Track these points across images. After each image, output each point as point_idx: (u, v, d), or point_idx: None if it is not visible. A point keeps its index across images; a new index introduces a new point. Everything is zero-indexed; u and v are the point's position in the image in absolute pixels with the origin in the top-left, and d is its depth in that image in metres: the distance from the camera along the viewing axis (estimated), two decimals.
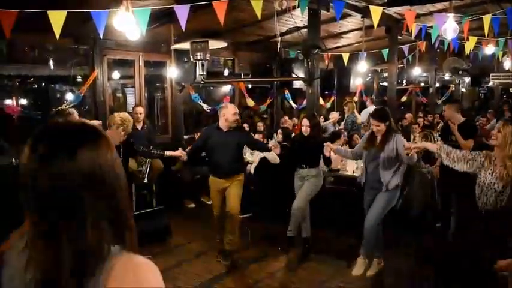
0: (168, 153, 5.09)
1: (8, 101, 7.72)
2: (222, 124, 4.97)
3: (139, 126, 6.86)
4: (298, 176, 5.29)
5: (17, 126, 7.35)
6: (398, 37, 8.59)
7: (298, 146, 5.32)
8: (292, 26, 7.07)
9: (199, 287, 4.57)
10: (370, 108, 9.65)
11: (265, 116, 11.17)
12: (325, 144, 4.95)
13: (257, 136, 7.99)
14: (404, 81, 12.55)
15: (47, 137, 1.01)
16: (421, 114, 11.86)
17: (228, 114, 4.94)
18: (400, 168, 4.53)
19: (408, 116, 10.84)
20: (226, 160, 4.93)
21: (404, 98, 13.29)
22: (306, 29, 6.52)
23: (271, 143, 5.47)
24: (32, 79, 10.67)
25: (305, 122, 5.20)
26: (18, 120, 7.33)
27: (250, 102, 9.90)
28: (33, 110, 7.26)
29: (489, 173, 3.50)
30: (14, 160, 5.66)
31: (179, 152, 4.99)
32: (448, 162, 3.66)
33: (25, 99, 10.09)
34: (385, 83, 12.96)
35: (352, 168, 6.10)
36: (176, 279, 4.72)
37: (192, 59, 4.74)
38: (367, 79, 13.48)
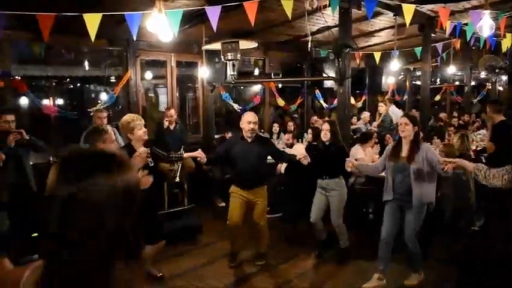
0: (186, 155, 4.93)
1: (45, 101, 7.96)
2: (245, 134, 4.87)
3: (171, 127, 6.98)
4: (319, 186, 5.14)
5: (53, 125, 7.59)
6: (432, 35, 8.42)
7: (317, 155, 5.06)
8: (323, 25, 7.03)
9: (229, 286, 4.61)
10: (392, 108, 9.45)
11: (295, 115, 11.14)
12: (347, 159, 4.63)
13: (287, 136, 7.99)
14: (438, 80, 12.31)
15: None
16: (455, 114, 11.60)
17: (244, 123, 4.85)
18: (433, 179, 4.22)
19: (442, 115, 10.63)
20: (250, 171, 4.80)
21: (438, 97, 13.03)
22: (337, 28, 6.47)
23: (299, 153, 4.96)
24: (67, 80, 10.97)
25: (325, 126, 5.07)
26: (55, 120, 7.56)
27: (281, 102, 9.90)
28: (69, 110, 7.44)
29: None
30: (51, 158, 5.85)
31: (198, 153, 4.70)
32: (485, 182, 3.51)
33: (61, 100, 10.37)
34: (418, 82, 12.73)
35: None
36: (206, 277, 4.77)
37: (223, 59, 4.78)
38: (399, 78, 13.26)
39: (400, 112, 9.33)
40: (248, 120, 4.83)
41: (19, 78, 6.26)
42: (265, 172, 5.25)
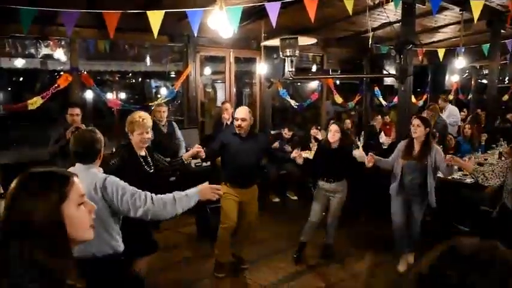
0: (185, 156, 4.32)
1: (109, 95, 8.30)
2: (236, 129, 4.62)
3: (228, 122, 7.06)
4: (321, 188, 4.99)
5: (117, 118, 7.90)
6: (501, 31, 7.98)
7: (325, 156, 4.94)
8: (384, 21, 6.86)
9: (283, 280, 4.62)
10: (450, 107, 9.01)
11: (352, 113, 10.96)
12: (369, 154, 4.74)
13: None
14: (507, 79, 11.64)
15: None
16: None
17: (235, 117, 4.63)
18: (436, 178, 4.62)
19: (510, 116, 10.06)
20: (244, 169, 4.57)
21: (505, 97, 12.35)
22: (399, 24, 6.28)
23: (294, 153, 4.71)
24: (130, 74, 11.37)
25: (334, 127, 4.88)
26: (118, 113, 7.86)
27: (338, 99, 9.77)
28: (131, 103, 7.71)
29: None
30: (113, 150, 6.07)
31: (196, 149, 4.25)
32: (483, 182, 3.92)
33: (124, 94, 10.77)
34: (484, 81, 12.14)
35: None
36: (259, 272, 4.81)
37: (281, 55, 4.77)
38: (464, 76, 12.70)
39: (457, 112, 8.92)
40: (235, 117, 4.61)
41: (85, 73, 6.55)
42: (258, 170, 5.04)
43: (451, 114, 8.68)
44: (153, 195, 2.63)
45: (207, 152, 4.41)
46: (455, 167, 4.48)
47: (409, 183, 4.64)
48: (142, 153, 3.73)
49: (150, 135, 3.73)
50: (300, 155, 4.63)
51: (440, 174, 4.85)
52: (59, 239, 1.14)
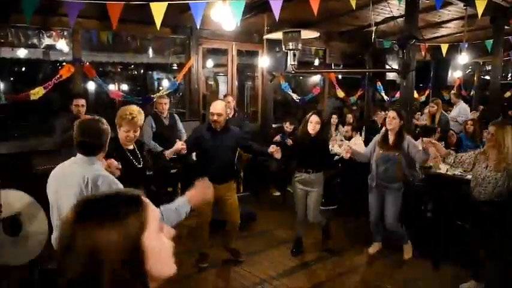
0: (167, 153, 4.21)
1: (111, 87, 8.30)
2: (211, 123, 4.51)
3: (230, 114, 7.05)
4: (300, 181, 4.96)
5: (118, 109, 7.89)
6: (505, 27, 7.94)
7: (303, 147, 4.87)
8: (388, 15, 6.84)
9: (282, 274, 4.64)
10: (462, 104, 9.00)
11: (354, 107, 10.95)
12: (346, 145, 5.00)
13: (346, 128, 7.88)
14: (510, 75, 11.63)
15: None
16: None
17: (211, 112, 4.49)
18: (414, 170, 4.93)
19: None
20: (221, 164, 4.43)
21: (508, 94, 12.33)
22: (402, 18, 6.27)
23: (271, 148, 4.56)
24: (132, 66, 11.35)
25: (314, 118, 4.83)
26: (120, 104, 7.86)
27: (340, 93, 9.75)
28: (133, 95, 7.71)
29: (484, 167, 3.98)
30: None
31: (178, 146, 4.16)
32: (454, 166, 4.43)
33: (125, 85, 10.76)
34: (487, 77, 12.11)
35: (446, 167, 5.79)
36: (259, 264, 4.83)
37: (283, 49, 4.76)
38: (467, 72, 12.66)
39: (468, 110, 8.91)
40: (211, 111, 4.48)
41: (88, 64, 6.54)
42: (234, 165, 4.93)
43: (462, 111, 8.67)
44: (163, 207, 2.34)
45: (188, 148, 4.33)
46: (430, 153, 4.60)
47: (382, 175, 4.81)
48: (130, 147, 3.63)
49: (137, 133, 3.60)
50: (277, 150, 4.51)
51: (443, 171, 4.89)
52: (141, 280, 0.91)
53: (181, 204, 2.33)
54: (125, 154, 3.54)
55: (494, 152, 3.94)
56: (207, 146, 4.47)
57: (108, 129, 2.67)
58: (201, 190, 2.45)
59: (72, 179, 2.46)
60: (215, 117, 4.44)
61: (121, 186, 2.47)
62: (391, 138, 4.80)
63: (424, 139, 4.53)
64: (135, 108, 3.59)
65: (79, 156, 2.59)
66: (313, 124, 4.83)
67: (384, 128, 5.01)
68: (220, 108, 4.47)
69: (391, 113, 4.80)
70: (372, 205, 5.00)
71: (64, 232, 0.91)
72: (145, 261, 0.91)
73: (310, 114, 4.96)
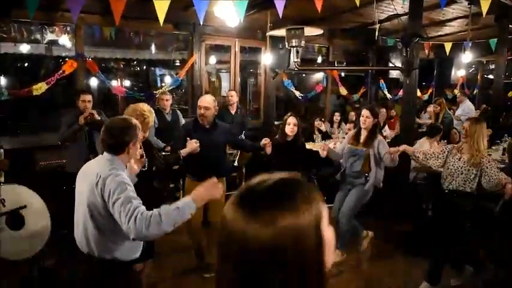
0: (183, 152, 4.05)
1: (113, 82, 8.29)
2: (199, 118, 4.34)
3: (232, 111, 7.05)
4: None
5: (120, 105, 7.90)
6: (510, 26, 7.91)
7: (281, 150, 4.62)
8: (392, 13, 6.81)
9: None
10: (467, 103, 8.97)
11: (357, 105, 10.93)
12: (322, 144, 4.99)
13: (348, 126, 7.86)
14: None
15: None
16: None
17: (198, 105, 4.32)
18: (382, 167, 4.81)
19: None
20: (210, 161, 4.20)
21: (511, 93, 12.30)
22: (406, 16, 6.24)
23: (264, 140, 4.46)
24: (135, 62, 11.35)
25: (292, 120, 4.70)
26: (122, 100, 7.87)
27: (343, 91, 9.73)
28: (135, 91, 7.70)
29: (457, 159, 4.13)
30: None
31: (193, 146, 4.07)
32: (423, 161, 4.39)
33: (128, 81, 10.76)
34: (490, 76, 12.07)
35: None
36: None
37: (286, 46, 4.74)
38: (470, 71, 12.62)
39: (473, 108, 8.88)
40: (198, 105, 4.31)
41: (90, 59, 6.54)
42: (224, 162, 4.78)
43: (467, 110, 8.64)
44: (145, 212, 2.25)
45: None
46: (397, 160, 4.60)
47: (349, 169, 4.88)
48: None
49: (147, 134, 3.48)
50: (268, 144, 4.43)
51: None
52: (322, 267, 0.86)
53: (185, 203, 2.28)
54: None
55: (467, 146, 4.11)
56: (199, 142, 4.18)
57: (134, 128, 2.55)
58: (209, 188, 2.40)
59: (89, 176, 2.44)
60: (202, 111, 4.26)
61: (131, 187, 2.40)
62: (363, 135, 4.86)
63: (391, 149, 4.53)
64: (146, 108, 3.42)
65: (104, 154, 2.54)
66: (291, 126, 4.70)
67: (358, 126, 5.04)
68: (208, 101, 4.28)
69: (365, 112, 4.84)
70: (335, 200, 4.96)
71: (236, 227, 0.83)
72: (326, 251, 0.87)
73: (288, 115, 4.83)
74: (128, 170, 2.68)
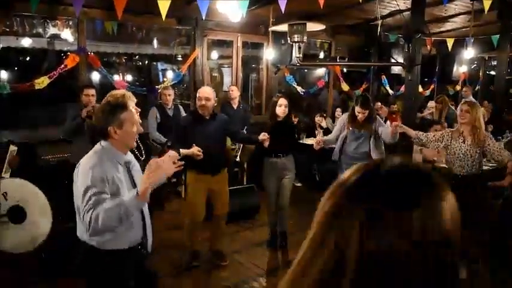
0: (183, 152, 3.96)
1: (115, 77, 8.29)
2: (199, 110, 4.35)
3: (234, 106, 7.05)
4: (272, 165, 4.83)
5: None
6: None
7: (274, 132, 4.61)
8: (394, 9, 6.79)
9: (285, 266, 4.64)
10: (470, 97, 8.96)
11: None
12: (316, 139, 5.03)
13: None
14: None
15: None
16: None
17: (197, 98, 4.35)
18: (382, 149, 4.95)
19: None
20: (212, 152, 4.17)
21: None
22: (408, 12, 6.23)
23: (262, 135, 4.45)
24: (137, 57, 11.35)
25: (283, 101, 4.74)
26: None
27: (345, 87, 9.72)
28: (137, 86, 7.71)
29: (461, 142, 4.24)
30: None
31: (195, 151, 4.03)
32: (426, 143, 4.53)
33: (130, 76, 10.77)
34: (492, 72, 12.04)
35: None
36: (263, 256, 4.86)
37: (289, 41, 4.74)
38: (472, 67, 12.59)
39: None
40: (199, 96, 4.32)
41: (92, 54, 6.54)
42: (225, 154, 4.82)
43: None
44: (106, 205, 2.19)
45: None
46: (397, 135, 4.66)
47: (354, 154, 4.87)
48: None
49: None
50: (267, 139, 4.43)
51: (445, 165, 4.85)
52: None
53: (130, 200, 2.22)
54: None
55: (468, 128, 4.23)
56: (197, 134, 4.24)
57: (109, 112, 2.40)
58: (151, 171, 2.25)
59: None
60: (203, 102, 4.26)
61: (96, 172, 2.29)
62: (361, 119, 4.84)
63: (394, 123, 4.58)
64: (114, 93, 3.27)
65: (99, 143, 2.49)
66: (282, 107, 4.73)
67: (350, 109, 5.08)
68: (208, 93, 4.31)
69: (360, 109, 4.80)
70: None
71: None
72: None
73: (279, 96, 4.87)
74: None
